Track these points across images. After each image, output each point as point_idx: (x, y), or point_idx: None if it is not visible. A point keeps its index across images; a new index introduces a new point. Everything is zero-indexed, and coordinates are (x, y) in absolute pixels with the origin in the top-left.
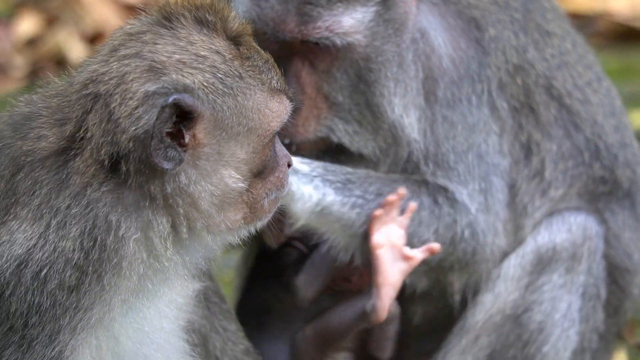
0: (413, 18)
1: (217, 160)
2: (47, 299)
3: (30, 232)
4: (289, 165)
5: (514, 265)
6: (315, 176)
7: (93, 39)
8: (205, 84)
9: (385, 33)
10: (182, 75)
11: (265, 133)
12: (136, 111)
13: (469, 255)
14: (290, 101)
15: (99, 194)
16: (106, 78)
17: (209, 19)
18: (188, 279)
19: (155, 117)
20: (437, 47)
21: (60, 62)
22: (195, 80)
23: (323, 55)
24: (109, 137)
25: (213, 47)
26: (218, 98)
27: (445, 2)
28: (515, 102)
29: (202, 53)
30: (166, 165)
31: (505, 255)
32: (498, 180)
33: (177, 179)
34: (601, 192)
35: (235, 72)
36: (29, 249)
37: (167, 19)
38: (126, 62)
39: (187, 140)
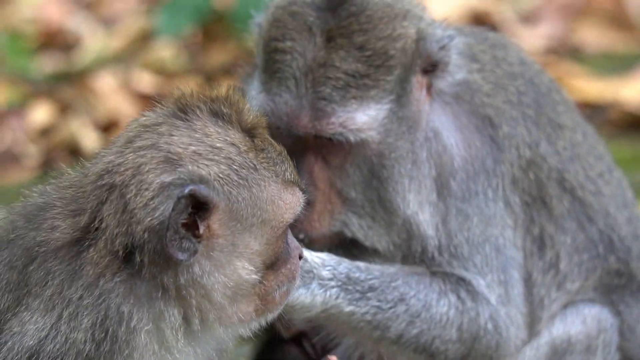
0: (426, 116)
1: (231, 252)
2: None
3: (41, 323)
4: (300, 257)
5: (529, 357)
6: (332, 286)
7: (106, 128)
8: (220, 175)
9: (399, 130)
10: (198, 167)
11: (278, 225)
12: (152, 202)
13: (492, 350)
14: (303, 193)
15: (111, 285)
16: (122, 169)
17: (224, 111)
18: None
19: (171, 208)
20: (450, 147)
21: (73, 151)
22: (211, 171)
23: (336, 151)
24: (124, 228)
25: (228, 139)
26: (233, 189)
27: (458, 101)
28: (527, 196)
29: (218, 145)
30: (181, 256)
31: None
32: (516, 273)
33: (190, 270)
34: (616, 285)
35: (250, 163)
36: (41, 340)
37: (183, 111)
38: (142, 153)
39: (201, 231)
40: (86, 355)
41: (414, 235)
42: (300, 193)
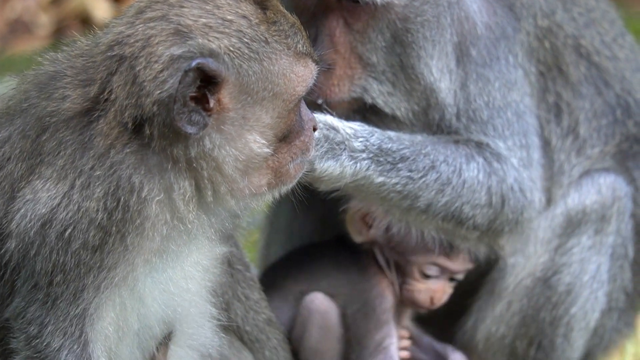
0: None
1: (242, 125)
2: (71, 258)
3: (54, 192)
4: (315, 129)
5: (544, 228)
6: (363, 158)
7: None
8: (231, 48)
9: None
10: (208, 40)
11: (290, 98)
12: (161, 74)
13: (518, 213)
14: (316, 64)
15: (122, 156)
16: (132, 40)
17: None
18: (213, 242)
19: (178, 81)
20: (472, 13)
21: (84, 20)
22: (221, 44)
23: (360, 14)
24: (133, 100)
25: (240, 11)
26: (244, 63)
27: None
28: (542, 66)
29: (229, 17)
30: (189, 129)
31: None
32: (536, 139)
33: (201, 143)
34: (635, 152)
35: (261, 36)
36: (53, 209)
37: None
38: (152, 24)
39: (211, 104)
40: (98, 223)
41: (432, 103)
42: (314, 65)
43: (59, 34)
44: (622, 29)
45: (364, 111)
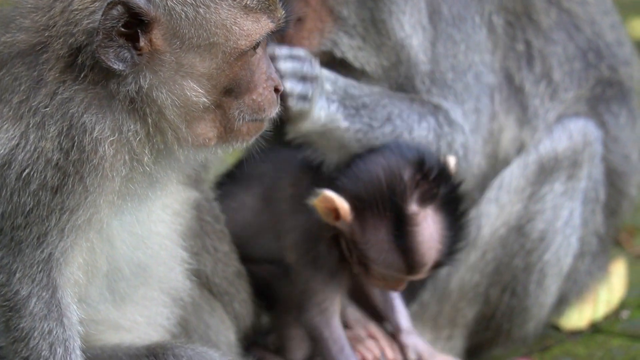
0: None
1: (177, 70)
2: (30, 199)
3: (12, 132)
4: (277, 90)
5: (517, 177)
6: (333, 100)
7: None
8: None
9: None
10: None
11: (230, 50)
12: (92, 5)
13: (459, 174)
14: (272, 22)
15: (71, 93)
16: None
17: None
18: (182, 185)
19: (102, 13)
20: None
21: None
22: None
23: None
24: (68, 27)
25: None
26: (177, 6)
27: None
28: (511, 16)
29: None
30: (115, 64)
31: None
32: (487, 100)
33: (137, 82)
34: (608, 96)
35: None
36: (12, 150)
37: None
38: None
39: (141, 43)
40: (55, 163)
41: (403, 59)
42: (268, 21)
43: None
44: None
45: (334, 65)
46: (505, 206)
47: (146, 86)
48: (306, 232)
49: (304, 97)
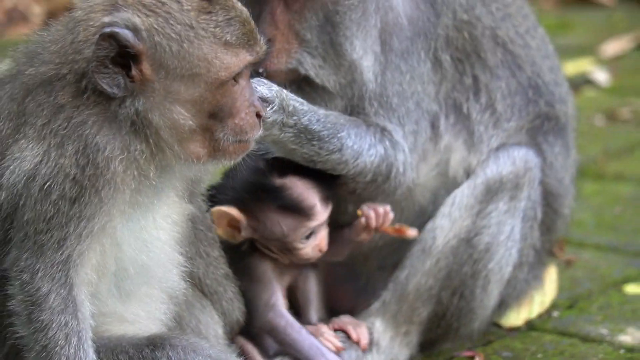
0: None
1: (165, 96)
2: (51, 208)
3: (36, 150)
4: (258, 115)
5: (467, 195)
6: (289, 132)
7: None
8: (155, 26)
9: None
10: (138, 15)
11: (212, 80)
12: (92, 37)
13: (397, 187)
14: (250, 55)
15: (83, 117)
16: (83, 6)
17: None
18: (181, 199)
19: (95, 43)
20: (396, 5)
21: (70, 10)
22: (146, 21)
23: None
24: (75, 56)
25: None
26: (163, 41)
27: None
28: (459, 54)
29: (163, 3)
30: (110, 89)
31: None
32: (425, 124)
33: (133, 106)
34: (545, 129)
35: (187, 21)
36: (36, 165)
37: None
38: None
39: (133, 72)
40: (73, 177)
41: (356, 78)
42: (247, 55)
43: (50, 22)
44: (534, 22)
45: (299, 81)
46: (457, 221)
47: (141, 110)
48: (227, 251)
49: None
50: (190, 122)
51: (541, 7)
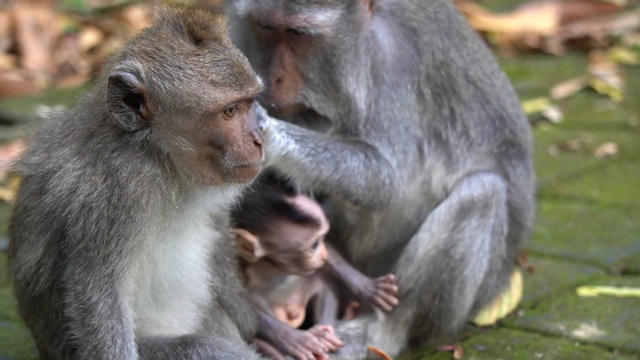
0: (367, 23)
1: (167, 127)
2: (94, 227)
3: (78, 165)
4: (257, 143)
5: (444, 213)
6: (282, 129)
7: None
8: (152, 69)
9: (347, 30)
10: (139, 61)
11: (203, 113)
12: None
13: (386, 199)
14: (240, 93)
15: (106, 142)
16: (109, 59)
17: (181, 24)
18: (209, 226)
19: (107, 85)
20: (383, 47)
21: None
22: (145, 65)
23: (301, 42)
24: (102, 98)
25: (171, 43)
26: (158, 80)
27: (392, 16)
28: (438, 89)
29: (160, 47)
30: (125, 124)
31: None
32: (414, 146)
33: (144, 136)
34: (510, 154)
35: (177, 63)
36: (77, 179)
37: (160, 22)
38: (120, 50)
39: (141, 108)
40: (106, 198)
41: (352, 109)
42: (235, 93)
43: (95, 74)
44: (497, 66)
45: (306, 113)
46: (435, 234)
47: (151, 140)
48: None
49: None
50: (191, 149)
51: (502, 56)
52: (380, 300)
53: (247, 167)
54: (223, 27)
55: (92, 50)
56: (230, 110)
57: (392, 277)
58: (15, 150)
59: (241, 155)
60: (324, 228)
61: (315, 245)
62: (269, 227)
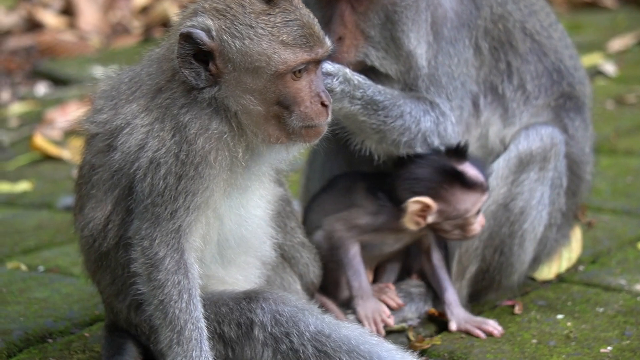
0: None
1: (236, 86)
2: (162, 182)
3: (146, 121)
4: (324, 104)
5: (502, 167)
6: (357, 104)
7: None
8: (223, 27)
9: None
10: (210, 19)
11: (272, 73)
12: (179, 38)
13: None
14: (309, 55)
15: (174, 98)
16: (180, 15)
17: None
18: (273, 182)
19: (178, 42)
20: (443, 2)
21: (165, 24)
22: (216, 23)
23: (362, 0)
24: (171, 54)
25: (242, 2)
26: (228, 39)
27: None
28: (495, 42)
29: (232, 5)
30: (194, 81)
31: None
32: (469, 102)
33: (213, 94)
34: (567, 107)
35: (248, 22)
36: (146, 135)
37: None
38: (191, 7)
39: (210, 66)
40: (174, 154)
41: (413, 65)
42: (305, 54)
43: (148, 33)
44: (555, 18)
45: (366, 71)
46: (495, 189)
47: (220, 97)
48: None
49: (336, 100)
50: (259, 108)
51: (555, 10)
52: (471, 329)
53: (314, 128)
54: None
55: (145, 10)
56: (300, 71)
57: (490, 324)
58: (71, 109)
59: (308, 115)
60: (487, 193)
61: (478, 212)
62: (443, 193)
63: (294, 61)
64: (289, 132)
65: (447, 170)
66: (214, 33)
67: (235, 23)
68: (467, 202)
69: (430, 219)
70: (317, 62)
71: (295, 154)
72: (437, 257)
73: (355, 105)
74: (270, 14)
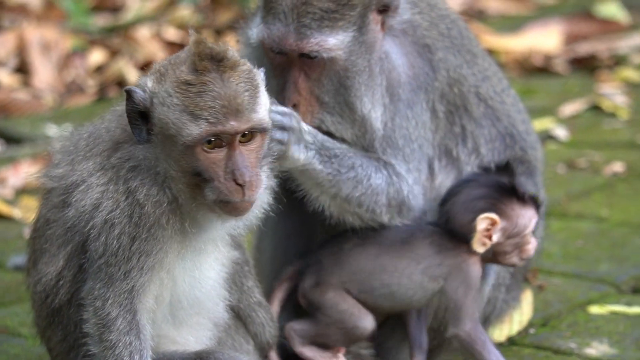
0: (380, 43)
1: (162, 149)
2: (116, 242)
3: (101, 180)
4: (236, 182)
5: None
6: (311, 149)
7: (144, 66)
8: (155, 90)
9: (359, 52)
10: (152, 81)
11: (180, 143)
12: None
13: (409, 215)
14: (216, 128)
15: (129, 166)
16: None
17: (192, 51)
18: (228, 245)
19: (125, 99)
20: (397, 66)
21: (120, 83)
22: (153, 85)
23: (314, 66)
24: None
25: (176, 69)
26: (156, 102)
27: (404, 34)
28: (451, 106)
29: (169, 70)
30: (137, 137)
31: None
32: (425, 165)
33: (151, 155)
34: (518, 169)
35: (170, 90)
36: (101, 195)
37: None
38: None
39: (148, 125)
40: (127, 214)
41: (367, 129)
42: (211, 127)
43: (102, 92)
44: (507, 84)
45: (323, 134)
46: None
47: (154, 158)
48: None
49: (280, 142)
50: (180, 175)
51: (508, 75)
52: None
53: (230, 204)
54: (234, 61)
55: (99, 69)
56: (209, 142)
57: None
58: (24, 168)
59: (221, 191)
60: (540, 209)
61: (534, 231)
62: (504, 209)
63: (199, 134)
64: (219, 203)
65: (502, 187)
66: (147, 94)
67: (162, 89)
68: (525, 217)
69: (495, 237)
70: (234, 136)
71: (247, 222)
72: (424, 313)
73: (310, 151)
74: (191, 84)
